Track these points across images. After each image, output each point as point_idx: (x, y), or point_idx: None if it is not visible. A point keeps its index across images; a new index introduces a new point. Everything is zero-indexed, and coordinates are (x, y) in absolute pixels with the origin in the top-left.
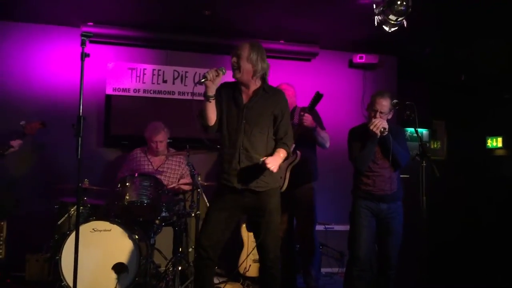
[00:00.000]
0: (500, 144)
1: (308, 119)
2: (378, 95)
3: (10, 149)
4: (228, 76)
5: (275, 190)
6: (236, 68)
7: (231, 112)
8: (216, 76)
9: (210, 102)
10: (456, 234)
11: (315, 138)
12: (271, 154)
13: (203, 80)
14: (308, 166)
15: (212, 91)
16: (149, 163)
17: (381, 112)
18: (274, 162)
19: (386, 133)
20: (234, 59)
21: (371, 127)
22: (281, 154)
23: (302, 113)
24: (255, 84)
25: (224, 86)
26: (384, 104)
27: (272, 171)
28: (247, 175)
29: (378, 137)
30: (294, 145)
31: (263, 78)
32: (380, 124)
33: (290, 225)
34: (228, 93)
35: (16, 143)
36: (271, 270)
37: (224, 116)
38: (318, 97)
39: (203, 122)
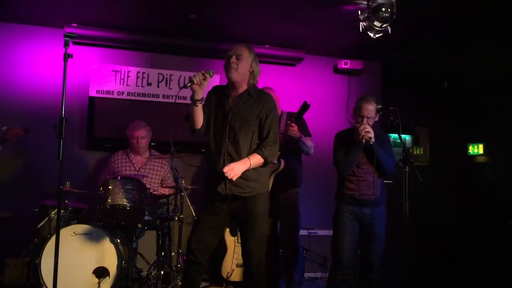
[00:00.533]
0: (481, 151)
1: (294, 129)
2: (364, 100)
3: None
4: (218, 79)
5: (262, 195)
6: (235, 68)
7: (217, 118)
8: (203, 79)
9: (197, 106)
10: (438, 239)
11: (299, 147)
12: None
13: (189, 84)
14: (293, 172)
15: (198, 95)
16: (131, 164)
17: (367, 117)
18: (232, 170)
19: (372, 142)
20: (233, 59)
21: (358, 137)
22: (250, 160)
23: (288, 122)
24: (243, 88)
25: (214, 91)
26: (370, 108)
27: (252, 176)
28: (231, 180)
29: (363, 144)
30: (279, 153)
31: (253, 83)
32: (365, 133)
33: (274, 229)
34: (217, 98)
35: None
36: (255, 276)
37: (211, 121)
38: (305, 107)
39: (190, 126)
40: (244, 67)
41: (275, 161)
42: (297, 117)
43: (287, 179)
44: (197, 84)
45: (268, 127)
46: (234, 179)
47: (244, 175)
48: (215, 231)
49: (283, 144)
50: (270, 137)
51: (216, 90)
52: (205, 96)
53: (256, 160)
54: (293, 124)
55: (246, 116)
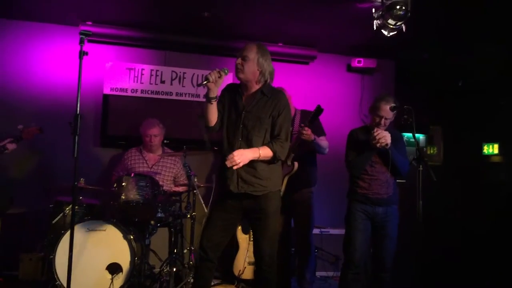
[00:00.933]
0: (496, 151)
1: (307, 133)
2: (383, 101)
3: (5, 151)
4: (230, 77)
5: (274, 193)
6: (240, 69)
7: (230, 116)
8: (219, 77)
9: (212, 103)
10: (451, 239)
11: (314, 148)
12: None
13: (205, 82)
14: (307, 172)
15: (214, 93)
16: (144, 161)
17: (386, 118)
18: (242, 156)
19: (388, 147)
20: (239, 60)
21: (373, 141)
22: (260, 150)
23: (302, 125)
24: (255, 87)
25: (228, 89)
26: (389, 110)
27: (264, 174)
28: (244, 179)
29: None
30: (293, 155)
31: (265, 81)
32: (383, 141)
33: (287, 228)
34: (231, 96)
35: (11, 146)
36: (266, 274)
37: (225, 119)
38: (319, 111)
39: (205, 123)
40: (250, 68)
41: (289, 163)
42: (311, 120)
43: (301, 179)
44: (212, 82)
45: (280, 124)
46: (240, 165)
47: (256, 173)
48: (227, 228)
49: (297, 145)
50: (282, 134)
51: (229, 88)
52: (219, 94)
53: (265, 151)
54: (306, 128)
55: (259, 115)
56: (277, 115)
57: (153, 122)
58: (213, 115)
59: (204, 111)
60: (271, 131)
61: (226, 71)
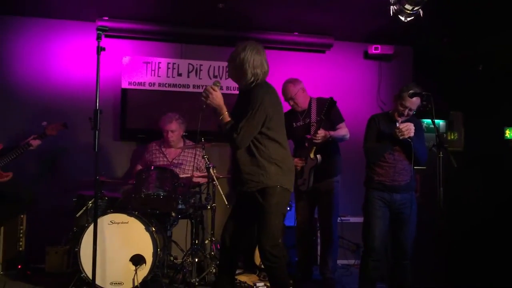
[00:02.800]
0: None
1: (319, 136)
2: (411, 93)
3: (29, 147)
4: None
5: (272, 189)
6: (228, 72)
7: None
8: (214, 90)
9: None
10: (473, 225)
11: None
12: (252, 154)
13: (204, 106)
14: (330, 162)
15: (221, 108)
16: (163, 155)
17: (410, 109)
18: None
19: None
20: (227, 64)
21: (398, 133)
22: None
23: (319, 118)
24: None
25: (240, 92)
26: (415, 102)
27: (264, 169)
28: (239, 178)
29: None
30: (314, 148)
31: (251, 80)
32: (407, 133)
33: (310, 216)
34: (239, 99)
35: (36, 142)
36: (269, 269)
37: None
38: (331, 104)
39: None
40: (232, 71)
41: (312, 156)
42: (326, 114)
43: (325, 169)
44: (209, 102)
45: (246, 112)
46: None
47: (244, 171)
48: (245, 222)
49: (313, 146)
50: (243, 120)
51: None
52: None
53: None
54: (318, 132)
55: (241, 113)
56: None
57: (171, 117)
58: None
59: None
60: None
61: (217, 83)
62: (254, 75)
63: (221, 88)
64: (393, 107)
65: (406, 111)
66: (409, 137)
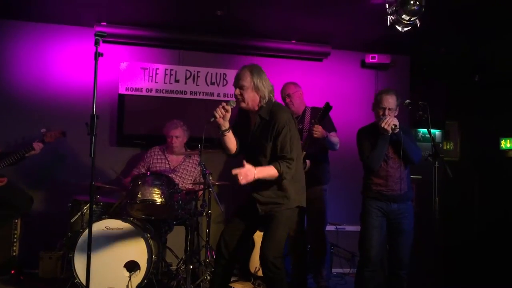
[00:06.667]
0: None
1: (318, 130)
2: (384, 92)
3: (31, 152)
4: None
5: (292, 210)
6: (241, 100)
7: (243, 139)
8: (226, 112)
9: (226, 135)
10: (469, 235)
11: (325, 145)
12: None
13: (213, 119)
14: (319, 169)
15: (225, 126)
16: (166, 161)
17: (389, 109)
18: (246, 176)
19: (397, 130)
20: (237, 91)
21: (382, 125)
22: (265, 170)
23: (313, 121)
24: (256, 110)
25: (240, 111)
26: (391, 101)
27: (286, 191)
28: (260, 201)
29: (389, 134)
30: (304, 153)
31: (266, 101)
32: (391, 121)
33: (301, 225)
34: (242, 119)
35: (38, 146)
36: (270, 279)
37: (242, 140)
38: (327, 108)
39: (225, 152)
40: (250, 95)
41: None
42: (320, 118)
43: (314, 176)
44: (220, 117)
45: (281, 143)
46: (242, 182)
47: (264, 192)
48: (244, 233)
49: (308, 143)
50: (285, 151)
51: (242, 110)
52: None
53: (270, 172)
54: (316, 126)
55: (260, 140)
56: (277, 136)
57: (176, 124)
58: (231, 143)
59: (222, 143)
60: (274, 151)
61: (232, 103)
62: (270, 92)
63: (232, 106)
64: (375, 116)
65: (386, 111)
66: (396, 128)
